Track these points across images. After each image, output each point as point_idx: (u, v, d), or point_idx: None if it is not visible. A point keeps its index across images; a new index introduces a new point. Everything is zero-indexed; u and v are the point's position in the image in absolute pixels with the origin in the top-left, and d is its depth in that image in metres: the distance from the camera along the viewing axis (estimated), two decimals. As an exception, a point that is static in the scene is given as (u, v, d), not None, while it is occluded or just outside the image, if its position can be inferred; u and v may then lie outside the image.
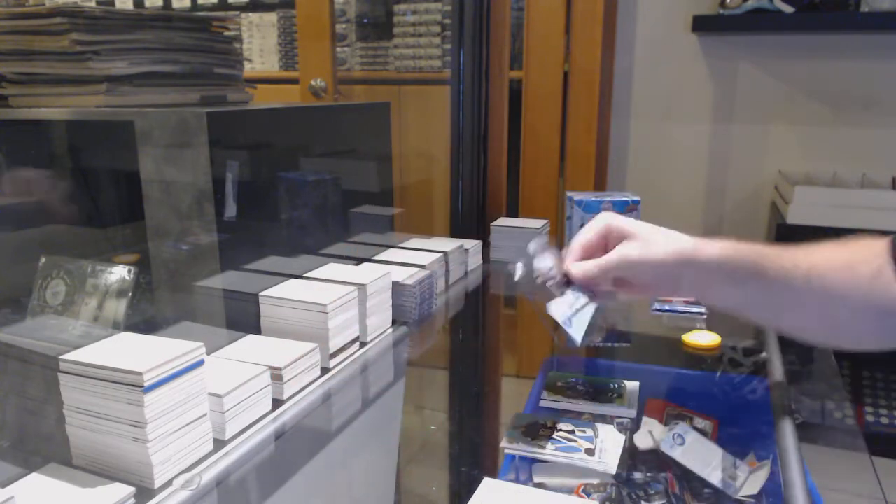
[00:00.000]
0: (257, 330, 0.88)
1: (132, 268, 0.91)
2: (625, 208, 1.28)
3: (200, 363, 0.63)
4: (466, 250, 1.27)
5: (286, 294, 0.87)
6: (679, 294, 0.74)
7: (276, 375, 0.75)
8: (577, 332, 0.71)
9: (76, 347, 0.62)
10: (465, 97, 1.45)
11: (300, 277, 0.96)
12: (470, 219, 1.50)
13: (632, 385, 0.87)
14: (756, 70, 2.05)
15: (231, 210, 0.86)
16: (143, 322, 0.90)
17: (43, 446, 0.69)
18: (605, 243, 0.74)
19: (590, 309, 0.72)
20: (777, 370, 0.90)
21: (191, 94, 1.04)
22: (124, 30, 0.94)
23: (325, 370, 0.84)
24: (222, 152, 0.83)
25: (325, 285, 0.91)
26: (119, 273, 0.91)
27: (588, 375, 0.89)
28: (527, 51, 2.15)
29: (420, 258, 1.12)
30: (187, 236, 0.85)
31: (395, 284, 0.99)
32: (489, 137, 1.52)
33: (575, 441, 0.73)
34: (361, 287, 0.91)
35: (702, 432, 0.78)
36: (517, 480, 0.70)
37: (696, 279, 0.70)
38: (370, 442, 0.86)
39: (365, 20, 2.55)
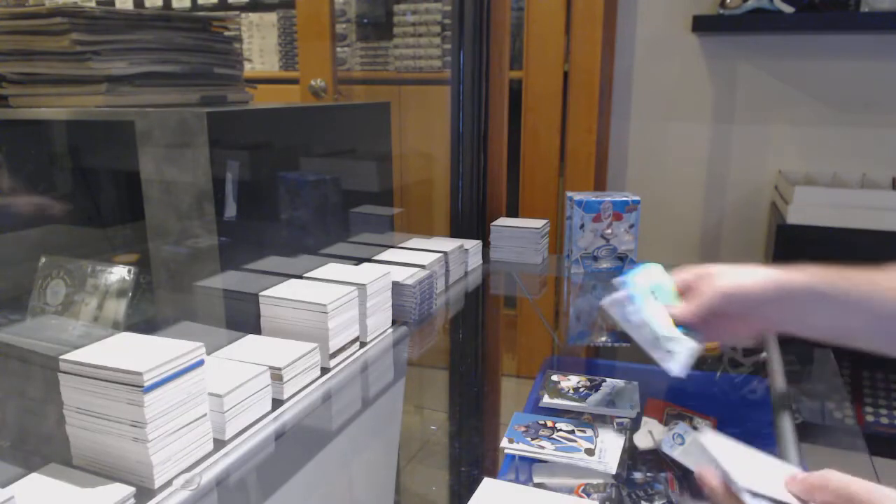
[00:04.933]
0: (257, 330, 0.88)
1: (132, 268, 0.91)
2: (625, 208, 1.28)
3: (200, 363, 0.63)
4: (466, 250, 1.27)
5: (286, 294, 0.87)
6: (775, 325, 0.75)
7: (276, 375, 0.75)
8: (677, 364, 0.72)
9: (76, 347, 0.62)
10: (465, 97, 1.45)
11: (300, 277, 0.96)
12: (470, 219, 1.50)
13: (631, 385, 0.87)
14: (756, 70, 2.05)
15: (231, 210, 0.86)
16: (143, 322, 0.90)
17: (43, 446, 0.69)
18: (696, 287, 0.76)
19: (691, 346, 0.74)
20: (777, 370, 0.90)
21: (191, 94, 1.04)
22: (124, 30, 0.94)
23: (325, 370, 0.84)
24: (222, 152, 0.83)
25: (325, 285, 0.91)
26: (119, 273, 0.91)
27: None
28: (527, 51, 2.15)
29: (420, 258, 1.12)
30: (187, 236, 0.85)
31: (395, 284, 0.99)
32: (489, 137, 1.52)
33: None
34: (361, 287, 0.91)
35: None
36: (517, 480, 0.70)
37: (792, 305, 0.70)
38: (370, 442, 0.86)
39: (365, 20, 2.55)
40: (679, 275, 0.78)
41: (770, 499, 0.53)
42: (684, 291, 0.77)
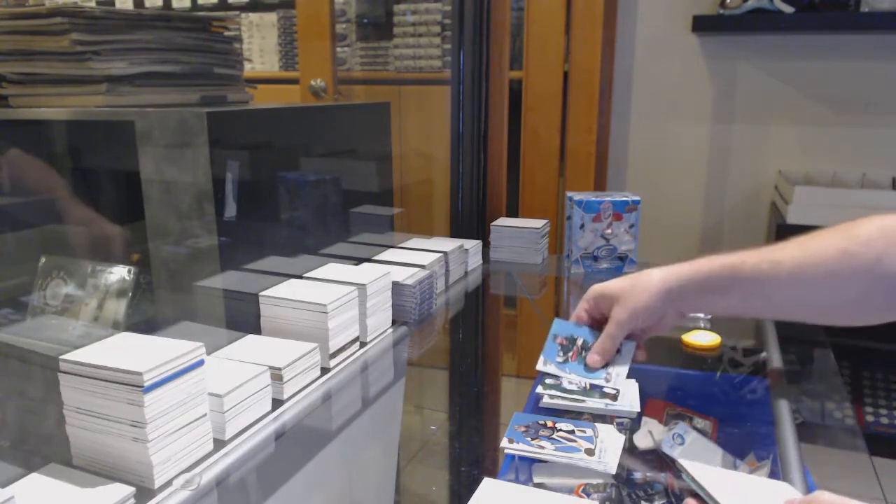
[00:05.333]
0: (257, 330, 0.88)
1: (132, 268, 0.91)
2: (625, 208, 1.28)
3: (200, 363, 0.63)
4: (466, 250, 1.27)
5: (286, 294, 0.87)
6: (679, 317, 0.82)
7: (276, 375, 0.75)
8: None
9: (76, 347, 0.62)
10: (465, 97, 1.45)
11: (300, 277, 0.96)
12: (470, 219, 1.50)
13: (632, 385, 0.87)
14: (756, 70, 2.05)
15: (231, 210, 0.86)
16: (143, 322, 0.90)
17: (43, 446, 0.69)
18: (601, 311, 0.83)
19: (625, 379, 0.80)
20: (777, 370, 0.90)
21: (191, 94, 1.04)
22: (124, 30, 0.94)
23: (325, 370, 0.84)
24: (222, 152, 0.83)
25: (325, 285, 0.91)
26: (119, 273, 0.91)
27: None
28: (527, 51, 2.15)
29: (420, 258, 1.12)
30: (187, 236, 0.85)
31: (395, 284, 0.99)
32: (489, 137, 1.52)
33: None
34: (361, 287, 0.91)
35: (702, 432, 0.78)
36: (517, 480, 0.70)
37: (685, 302, 0.77)
38: (370, 442, 0.86)
39: (365, 20, 2.55)
40: (581, 308, 0.84)
41: None
42: (594, 320, 0.84)
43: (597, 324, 0.85)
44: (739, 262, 0.73)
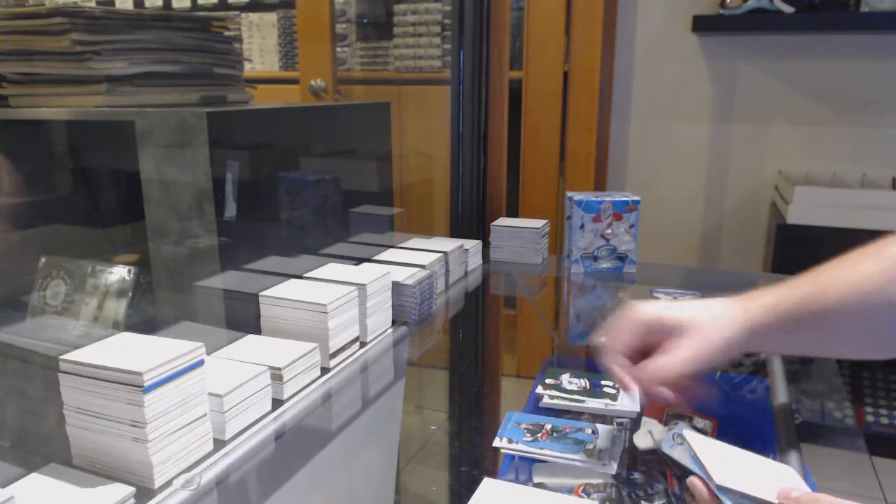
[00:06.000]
0: (257, 330, 0.88)
1: (132, 268, 0.91)
2: (625, 208, 1.29)
3: (200, 363, 0.63)
4: (466, 250, 1.27)
5: (286, 294, 0.87)
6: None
7: (276, 375, 0.75)
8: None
9: (76, 347, 0.62)
10: (465, 97, 1.45)
11: (300, 277, 0.96)
12: (470, 219, 1.50)
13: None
14: (756, 70, 2.05)
15: (231, 210, 0.86)
16: (143, 322, 0.90)
17: (43, 446, 0.69)
18: (646, 338, 0.67)
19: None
20: (777, 370, 0.90)
21: (191, 94, 1.04)
22: (124, 30, 0.94)
23: (325, 370, 0.84)
24: (222, 152, 0.83)
25: (325, 285, 0.91)
26: (119, 273, 0.91)
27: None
28: (527, 51, 2.15)
29: (420, 258, 1.12)
30: (187, 236, 0.85)
31: (395, 284, 0.99)
32: (489, 137, 1.52)
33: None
34: (361, 287, 0.91)
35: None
36: (517, 480, 0.70)
37: (763, 340, 0.65)
38: (370, 442, 0.86)
39: (365, 20, 2.55)
40: (620, 332, 0.67)
41: (746, 496, 0.53)
42: (634, 351, 0.67)
43: (638, 357, 0.66)
44: (822, 291, 0.62)
